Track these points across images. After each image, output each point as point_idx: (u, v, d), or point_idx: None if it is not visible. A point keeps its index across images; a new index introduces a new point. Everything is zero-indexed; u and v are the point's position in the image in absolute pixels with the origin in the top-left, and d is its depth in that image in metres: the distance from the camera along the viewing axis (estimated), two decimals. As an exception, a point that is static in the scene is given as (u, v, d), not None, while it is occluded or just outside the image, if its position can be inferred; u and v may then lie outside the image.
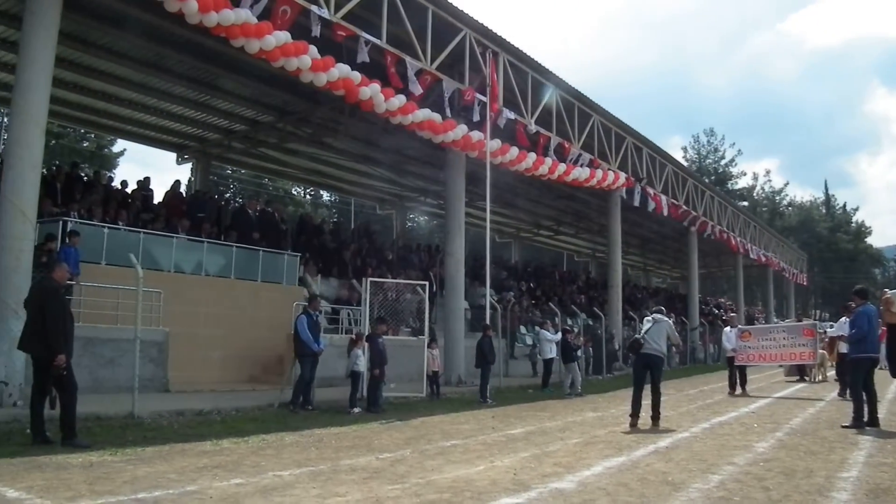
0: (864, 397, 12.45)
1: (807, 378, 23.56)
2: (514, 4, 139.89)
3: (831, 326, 22.37)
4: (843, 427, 12.21)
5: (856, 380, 12.76)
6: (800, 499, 7.04)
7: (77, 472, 7.71)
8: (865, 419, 12.25)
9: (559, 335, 21.71)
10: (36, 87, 12.35)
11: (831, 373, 21.96)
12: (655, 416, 12.62)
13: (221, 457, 8.91)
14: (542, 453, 9.61)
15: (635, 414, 12.57)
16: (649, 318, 13.35)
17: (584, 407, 16.61)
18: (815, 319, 26.04)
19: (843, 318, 17.28)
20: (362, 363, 14.86)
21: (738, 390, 19.49)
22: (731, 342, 20.62)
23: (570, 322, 26.87)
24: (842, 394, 17.24)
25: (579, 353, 21.62)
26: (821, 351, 22.40)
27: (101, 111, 24.13)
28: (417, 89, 17.89)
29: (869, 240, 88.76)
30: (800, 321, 26.20)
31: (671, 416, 14.26)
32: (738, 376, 19.81)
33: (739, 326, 22.13)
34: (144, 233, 17.53)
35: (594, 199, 32.43)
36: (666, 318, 13.38)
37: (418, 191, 35.19)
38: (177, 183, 22.73)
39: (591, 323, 28.72)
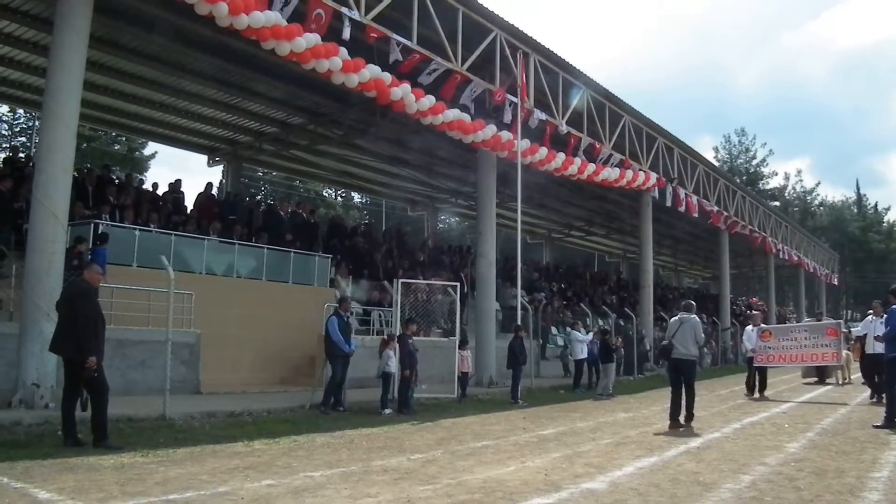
0: None
1: (829, 381, 22.32)
2: (540, 1, 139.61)
3: (856, 325, 21.32)
4: (875, 427, 12.01)
5: (892, 379, 12.56)
6: (831, 499, 6.98)
7: (109, 473, 7.74)
8: None
9: (591, 336, 21.60)
10: (67, 90, 12.42)
11: (856, 375, 20.85)
12: (688, 417, 12.54)
13: (253, 458, 8.92)
14: (573, 454, 9.55)
15: (674, 417, 12.44)
16: (676, 317, 13.18)
17: (615, 408, 16.51)
18: (845, 319, 24.28)
19: (870, 317, 16.92)
20: (393, 364, 14.84)
21: (756, 394, 18.80)
22: (752, 342, 19.65)
23: (601, 322, 26.74)
24: (873, 396, 16.69)
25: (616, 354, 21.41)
26: (845, 352, 21.71)
27: (132, 114, 24.34)
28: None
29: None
30: (819, 320, 24.95)
31: (702, 416, 14.12)
32: (756, 378, 19.10)
33: (761, 325, 20.85)
34: (176, 235, 17.63)
35: (625, 199, 32.23)
36: (692, 316, 13.11)
37: (449, 192, 35.19)
38: (209, 185, 22.94)
39: (622, 323, 28.52)
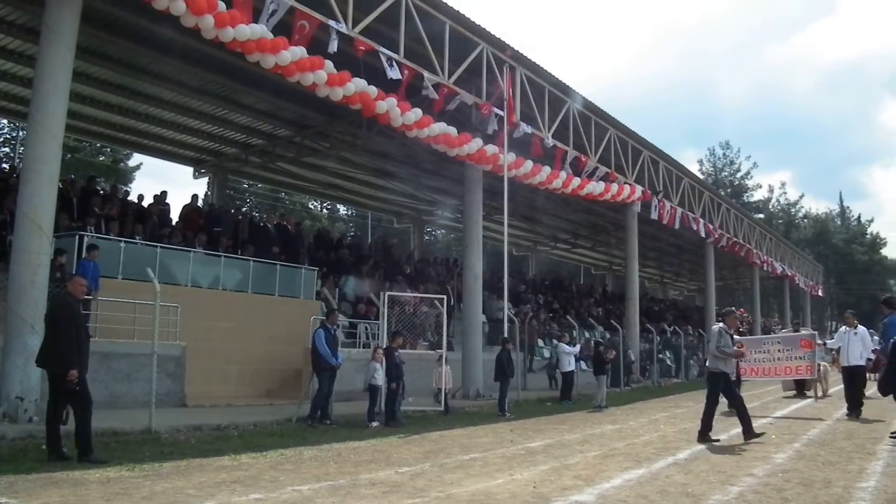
0: None
1: (808, 393, 20.81)
2: (527, 12, 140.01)
3: (831, 339, 19.53)
4: (893, 436, 11.82)
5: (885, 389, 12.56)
6: (819, 509, 6.97)
7: (94, 488, 7.67)
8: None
9: (577, 348, 21.63)
10: (54, 101, 12.37)
11: (835, 388, 19.49)
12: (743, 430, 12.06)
13: (240, 472, 8.86)
14: (561, 466, 9.53)
15: (702, 431, 12.15)
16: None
17: (602, 420, 16.50)
18: (830, 331, 22.11)
19: (843, 328, 16.60)
20: (380, 377, 14.81)
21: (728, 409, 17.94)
22: None
23: (587, 335, 26.77)
24: (850, 412, 15.50)
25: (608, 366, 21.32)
26: (823, 364, 21.05)
27: (118, 125, 24.31)
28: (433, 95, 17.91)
29: (884, 251, 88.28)
30: (797, 330, 23.40)
31: (689, 427, 14.14)
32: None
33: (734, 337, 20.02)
34: (161, 247, 17.56)
35: (611, 212, 32.37)
36: (717, 324, 12.86)
37: (436, 204, 35.22)
38: (194, 197, 22.87)
39: (607, 335, 28.56)
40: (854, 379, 15.75)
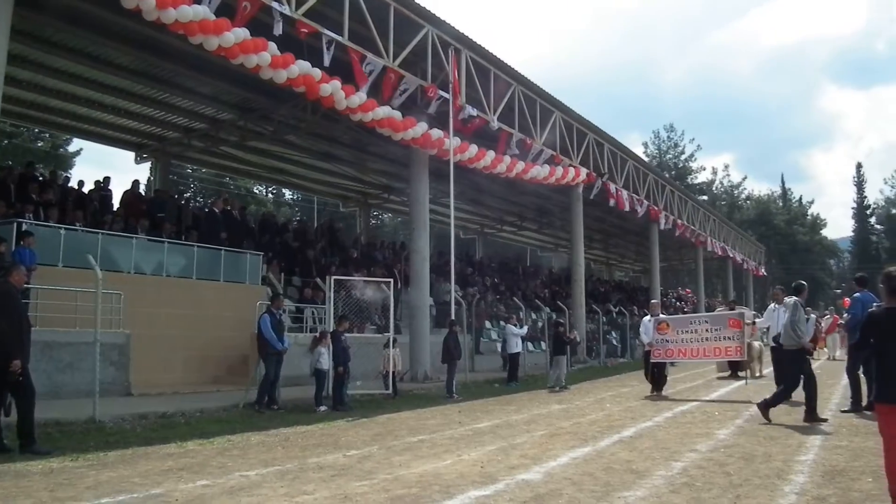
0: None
1: (741, 374, 19.89)
2: (472, 1, 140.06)
3: (760, 317, 18.77)
4: (843, 412, 12.19)
5: (853, 366, 12.91)
6: (759, 482, 7.20)
7: (37, 479, 7.57)
8: (864, 403, 12.16)
9: (525, 329, 21.79)
10: (-12, 85, 12.09)
11: (769, 369, 17.80)
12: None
13: (186, 459, 8.81)
14: (508, 446, 9.65)
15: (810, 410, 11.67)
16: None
17: (549, 400, 16.69)
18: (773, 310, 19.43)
19: (772, 305, 15.86)
20: (326, 361, 14.75)
21: (653, 392, 17.01)
22: (648, 334, 17.77)
23: (534, 316, 26.97)
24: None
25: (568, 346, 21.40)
26: (757, 343, 20.90)
27: (56, 110, 23.79)
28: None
29: (824, 232, 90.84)
30: (732, 309, 22.34)
31: (635, 406, 14.43)
32: (655, 374, 17.30)
33: (658, 316, 18.71)
34: (103, 233, 17.24)
35: (557, 194, 32.56)
36: (791, 298, 12.40)
37: (382, 188, 35.16)
38: (135, 182, 22.45)
39: (553, 317, 28.83)
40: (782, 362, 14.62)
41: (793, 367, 11.86)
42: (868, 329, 6.31)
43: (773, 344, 15.02)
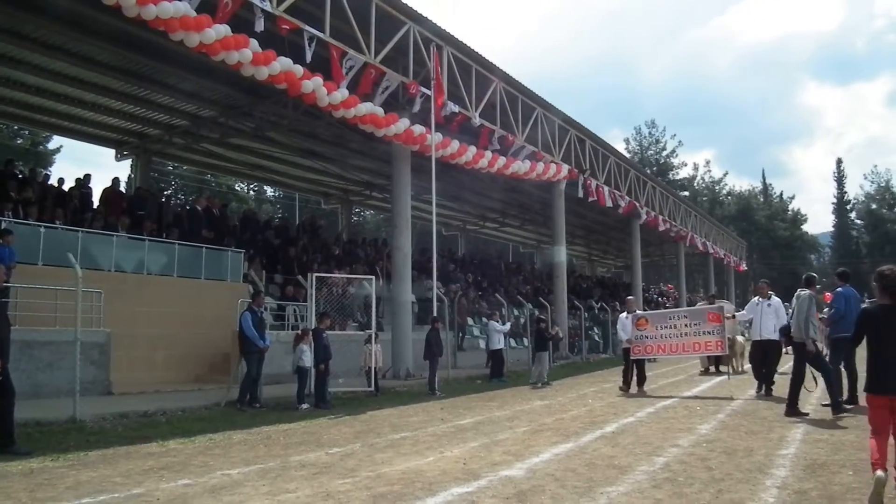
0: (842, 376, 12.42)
1: (723, 369, 19.83)
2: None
3: (742, 311, 18.40)
4: (823, 405, 12.09)
5: (835, 359, 12.64)
6: (741, 476, 7.24)
7: (17, 479, 7.53)
8: (844, 398, 12.19)
9: (508, 326, 21.83)
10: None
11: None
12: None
13: (168, 458, 8.78)
14: (491, 442, 9.67)
15: (836, 405, 11.64)
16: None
17: (531, 396, 16.71)
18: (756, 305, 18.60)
19: (755, 299, 15.40)
20: (308, 358, 14.73)
21: (635, 388, 16.83)
22: (627, 331, 17.49)
23: (516, 312, 27.02)
24: (760, 389, 14.97)
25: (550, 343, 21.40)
26: (740, 338, 20.81)
27: (36, 106, 23.56)
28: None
29: (805, 227, 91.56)
30: (712, 303, 21.28)
31: (616, 402, 14.48)
32: (634, 371, 17.12)
33: (636, 312, 18.54)
34: (83, 231, 17.12)
35: (538, 190, 32.59)
36: (804, 290, 11.98)
37: (364, 185, 35.07)
38: (115, 180, 22.31)
39: (536, 313, 28.90)
40: (767, 354, 14.80)
41: (817, 358, 11.83)
42: (863, 324, 6.88)
43: (756, 338, 15.02)
